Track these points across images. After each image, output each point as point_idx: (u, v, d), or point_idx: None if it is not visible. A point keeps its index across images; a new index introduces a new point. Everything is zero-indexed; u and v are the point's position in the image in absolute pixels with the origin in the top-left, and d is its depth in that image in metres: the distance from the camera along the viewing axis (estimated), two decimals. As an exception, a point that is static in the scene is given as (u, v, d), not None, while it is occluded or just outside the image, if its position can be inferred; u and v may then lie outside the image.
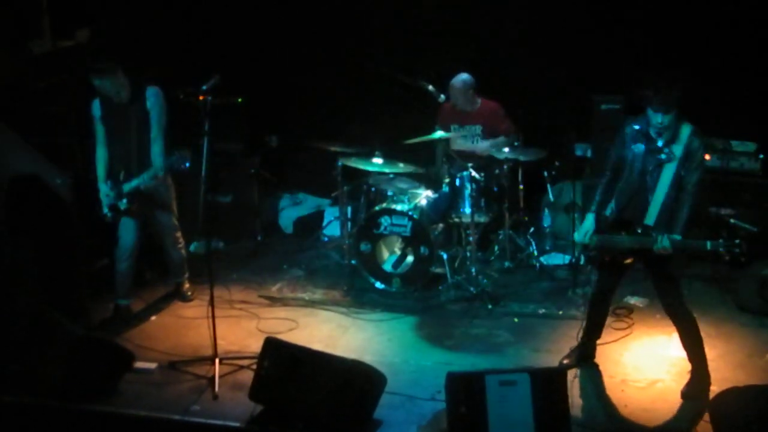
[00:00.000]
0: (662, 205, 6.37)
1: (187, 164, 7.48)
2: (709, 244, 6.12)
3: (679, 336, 6.70)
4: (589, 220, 6.71)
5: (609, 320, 7.66)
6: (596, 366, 6.98)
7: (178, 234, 8.34)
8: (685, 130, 6.34)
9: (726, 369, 6.79)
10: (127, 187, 7.75)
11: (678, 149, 6.32)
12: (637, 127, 6.50)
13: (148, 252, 8.62)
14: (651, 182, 6.42)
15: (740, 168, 8.67)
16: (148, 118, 7.74)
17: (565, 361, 7.12)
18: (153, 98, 7.76)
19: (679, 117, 6.32)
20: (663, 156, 6.35)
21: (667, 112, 6.19)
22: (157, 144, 7.77)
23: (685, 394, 6.54)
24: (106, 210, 7.85)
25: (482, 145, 9.13)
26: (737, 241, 6.04)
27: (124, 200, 7.77)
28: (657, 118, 6.22)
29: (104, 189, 7.84)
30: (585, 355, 7.15)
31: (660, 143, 6.37)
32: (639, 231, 6.42)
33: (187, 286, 8.61)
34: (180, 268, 8.55)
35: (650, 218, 6.40)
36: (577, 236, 6.80)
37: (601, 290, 7.00)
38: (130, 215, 7.88)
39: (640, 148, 6.46)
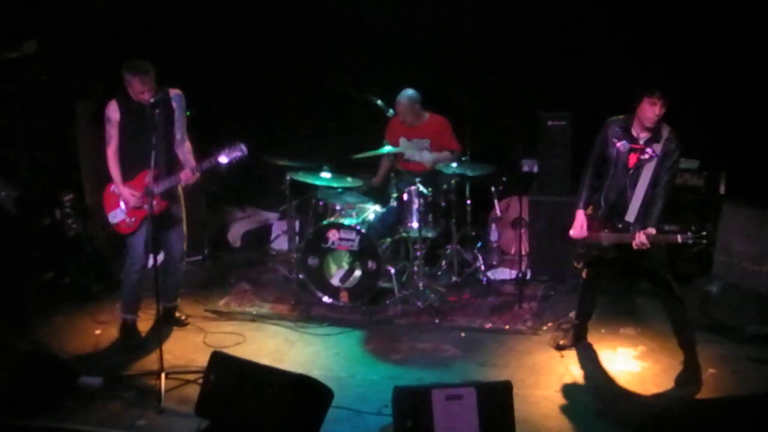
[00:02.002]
0: (642, 203, 6.76)
1: (243, 154, 7.28)
2: (679, 238, 6.42)
3: (672, 321, 7.05)
4: (578, 216, 7.08)
5: (553, 335, 7.79)
6: (542, 380, 7.03)
7: (185, 250, 8.04)
8: (665, 131, 6.73)
9: (670, 383, 6.86)
10: (160, 187, 7.45)
11: (658, 148, 6.70)
12: (620, 125, 6.86)
13: (95, 265, 8.56)
14: (632, 180, 6.79)
15: (684, 184, 8.79)
16: (173, 120, 7.60)
17: (561, 342, 7.61)
18: (178, 100, 7.63)
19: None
20: (645, 156, 6.73)
21: (663, 105, 6.58)
22: (186, 143, 7.71)
23: (679, 381, 6.87)
24: (123, 216, 7.59)
25: (427, 156, 9.19)
26: (704, 232, 6.34)
27: (154, 202, 7.34)
28: (655, 110, 6.59)
29: (126, 192, 7.53)
30: (579, 336, 7.67)
31: (641, 142, 6.76)
32: (620, 227, 6.81)
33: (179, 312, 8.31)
34: (176, 291, 8.21)
35: (630, 215, 6.79)
36: (573, 232, 7.10)
37: (589, 282, 7.46)
38: (152, 218, 7.36)
39: (626, 145, 6.83)
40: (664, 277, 6.93)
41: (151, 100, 7.30)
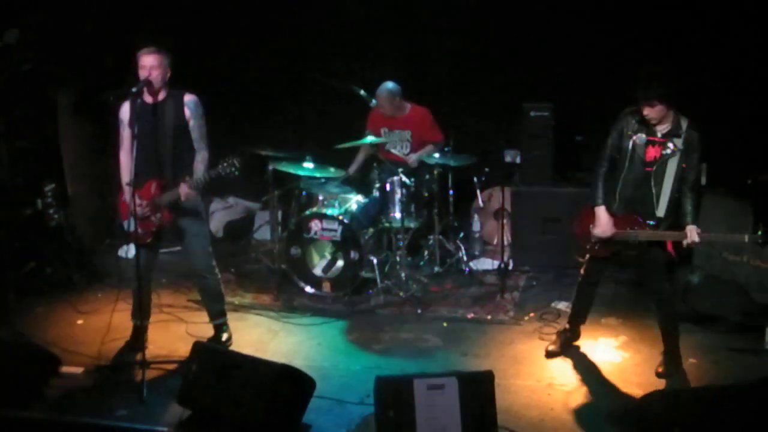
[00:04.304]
0: (670, 198, 6.56)
1: (236, 171, 6.79)
2: (747, 237, 6.33)
3: (659, 321, 6.95)
4: (602, 213, 6.77)
5: (536, 325, 7.82)
6: (524, 370, 7.06)
7: (213, 262, 7.53)
8: (684, 123, 6.55)
9: (651, 373, 6.89)
10: (163, 199, 7.05)
11: (679, 142, 6.52)
12: (637, 117, 6.63)
13: (77, 255, 8.51)
14: (656, 175, 6.58)
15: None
16: (185, 127, 7.08)
17: (551, 348, 7.36)
18: (192, 107, 7.10)
19: (676, 110, 6.55)
20: (668, 151, 6.53)
21: (652, 105, 6.40)
22: (201, 152, 7.13)
23: (661, 373, 6.83)
24: (132, 225, 6.94)
25: (412, 158, 9.18)
26: None
27: (159, 214, 7.09)
28: (654, 111, 6.43)
29: (135, 202, 6.89)
30: (570, 340, 7.42)
31: (660, 134, 6.57)
32: (651, 223, 6.61)
33: (226, 335, 7.67)
34: (217, 303, 7.66)
35: (661, 210, 6.59)
36: (599, 231, 6.80)
37: (588, 279, 7.18)
38: (160, 231, 7.17)
39: (642, 138, 6.61)
40: (660, 270, 6.86)
41: (159, 99, 7.06)
